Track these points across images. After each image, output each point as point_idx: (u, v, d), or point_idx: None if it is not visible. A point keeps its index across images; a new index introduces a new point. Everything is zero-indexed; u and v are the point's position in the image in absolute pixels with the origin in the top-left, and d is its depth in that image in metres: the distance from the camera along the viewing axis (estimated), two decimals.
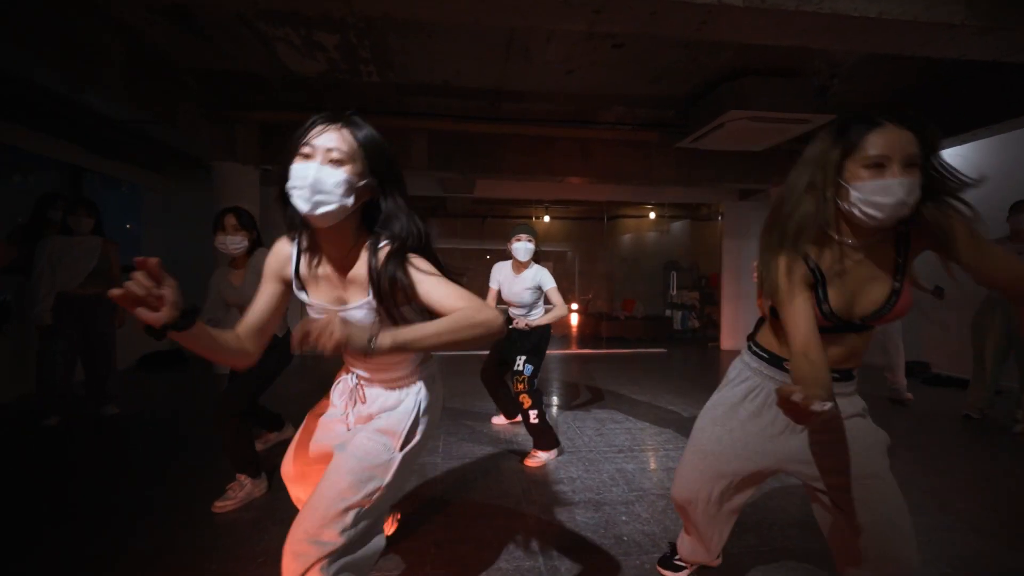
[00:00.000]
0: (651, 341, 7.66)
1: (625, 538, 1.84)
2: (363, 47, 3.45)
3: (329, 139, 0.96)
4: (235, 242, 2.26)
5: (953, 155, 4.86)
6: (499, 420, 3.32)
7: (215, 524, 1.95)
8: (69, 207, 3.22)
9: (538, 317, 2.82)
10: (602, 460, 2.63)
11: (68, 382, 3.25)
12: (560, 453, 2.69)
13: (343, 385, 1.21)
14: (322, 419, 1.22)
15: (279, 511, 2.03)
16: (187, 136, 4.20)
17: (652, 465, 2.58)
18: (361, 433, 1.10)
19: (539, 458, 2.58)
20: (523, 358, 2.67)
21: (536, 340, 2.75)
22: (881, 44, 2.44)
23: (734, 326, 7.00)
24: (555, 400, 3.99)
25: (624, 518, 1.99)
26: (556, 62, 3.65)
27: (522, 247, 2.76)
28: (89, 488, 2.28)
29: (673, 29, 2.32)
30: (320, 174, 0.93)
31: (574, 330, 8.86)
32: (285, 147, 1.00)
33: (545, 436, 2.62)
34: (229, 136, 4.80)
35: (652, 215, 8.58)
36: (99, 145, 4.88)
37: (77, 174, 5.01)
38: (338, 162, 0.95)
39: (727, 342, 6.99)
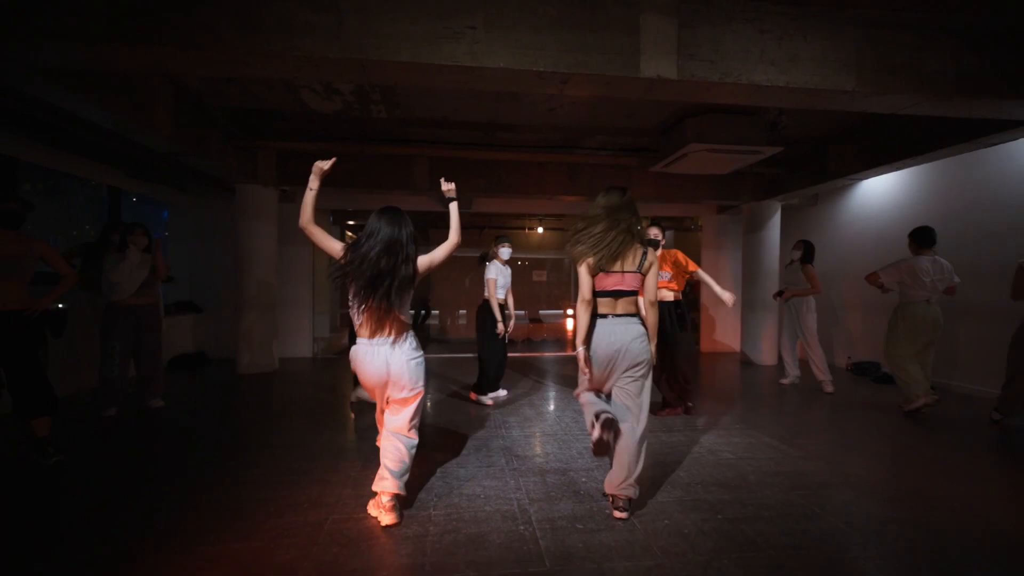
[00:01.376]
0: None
1: (581, 492, 2.41)
2: (374, 92, 4.05)
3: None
4: None
5: (891, 179, 5.46)
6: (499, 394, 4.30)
7: (242, 493, 2.51)
8: (128, 229, 3.80)
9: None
10: (573, 440, 3.19)
11: (124, 378, 3.82)
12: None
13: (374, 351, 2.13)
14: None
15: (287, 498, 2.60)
16: (215, 163, 4.79)
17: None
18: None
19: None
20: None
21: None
22: (795, 103, 3.03)
23: (711, 329, 7.57)
24: (547, 394, 4.55)
25: (583, 479, 2.56)
26: (540, 102, 4.25)
27: (506, 251, 4.28)
28: (148, 466, 2.84)
29: (627, 94, 2.91)
30: None
31: (569, 334, 9.43)
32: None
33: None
34: (251, 161, 5.40)
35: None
36: (136, 169, 5.47)
37: (116, 194, 5.59)
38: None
39: (705, 344, 7.55)
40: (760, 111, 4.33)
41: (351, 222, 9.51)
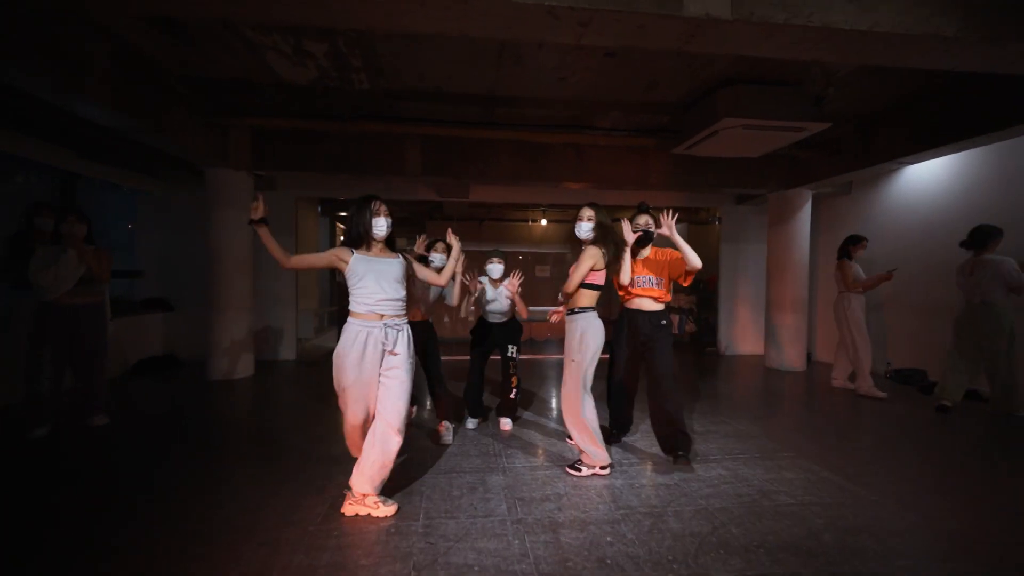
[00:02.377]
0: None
1: (608, 561, 1.82)
2: (353, 55, 3.42)
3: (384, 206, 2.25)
4: (442, 259, 3.21)
5: (942, 164, 4.82)
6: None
7: (201, 531, 1.93)
8: (60, 215, 3.20)
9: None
10: (589, 475, 2.60)
11: (57, 392, 3.23)
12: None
13: (376, 334, 2.17)
14: (353, 366, 2.16)
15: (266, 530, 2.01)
16: (177, 142, 4.18)
17: (641, 480, 2.55)
18: (398, 358, 2.20)
19: (509, 424, 3.42)
20: (514, 347, 3.40)
21: (517, 329, 3.48)
22: (872, 56, 2.41)
23: (732, 331, 6.97)
24: (546, 409, 3.95)
25: (609, 539, 1.96)
26: (549, 69, 3.62)
27: (494, 268, 3.34)
28: (75, 499, 2.26)
29: (662, 42, 2.29)
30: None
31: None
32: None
33: (516, 408, 3.49)
34: (222, 142, 4.77)
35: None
36: (92, 150, 4.85)
37: (71, 179, 4.98)
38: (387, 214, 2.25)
39: (725, 347, 6.96)
40: (805, 81, 3.70)
41: (343, 213, 8.89)
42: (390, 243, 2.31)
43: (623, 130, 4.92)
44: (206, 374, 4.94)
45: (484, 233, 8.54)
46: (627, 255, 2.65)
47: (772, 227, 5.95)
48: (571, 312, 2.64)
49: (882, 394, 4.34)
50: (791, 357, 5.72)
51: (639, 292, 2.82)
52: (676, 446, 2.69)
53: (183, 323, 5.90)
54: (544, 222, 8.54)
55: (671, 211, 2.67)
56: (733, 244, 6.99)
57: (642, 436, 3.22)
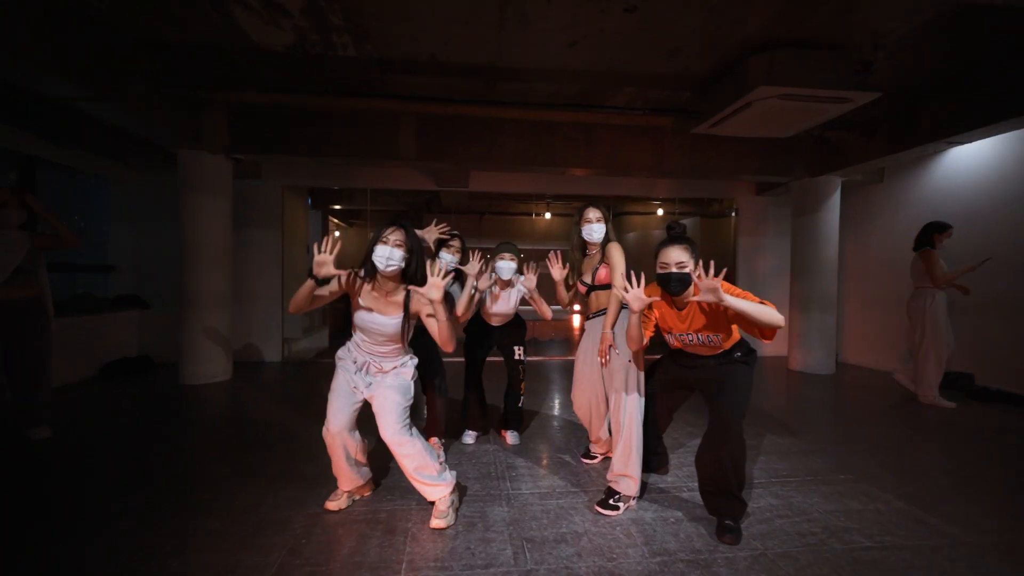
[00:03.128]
0: (657, 347, 7.15)
1: None
2: (333, 12, 2.96)
3: (398, 235, 1.88)
4: (452, 260, 2.73)
5: (990, 144, 4.34)
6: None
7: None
8: None
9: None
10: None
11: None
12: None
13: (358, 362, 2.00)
14: (343, 387, 1.98)
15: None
16: (142, 118, 3.73)
17: (675, 513, 2.09)
18: (388, 378, 1.98)
19: (515, 438, 2.97)
20: (520, 348, 2.92)
21: (521, 327, 2.96)
22: None
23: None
24: (556, 420, 3.49)
25: None
26: (558, 30, 3.16)
27: (505, 266, 2.68)
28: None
29: None
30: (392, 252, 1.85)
31: (575, 333, 8.38)
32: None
33: (522, 418, 3.08)
34: (194, 121, 4.31)
35: (660, 212, 8.08)
36: (53, 132, 4.41)
37: (29, 164, 4.53)
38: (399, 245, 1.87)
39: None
40: (850, 45, 3.24)
41: (336, 206, 8.43)
42: (414, 278, 1.93)
43: (638, 108, 4.46)
44: (178, 378, 4.48)
45: (484, 227, 8.10)
46: (634, 319, 1.97)
47: (797, 219, 5.48)
48: (596, 315, 2.45)
49: (950, 404, 3.85)
50: (819, 360, 5.25)
51: (687, 349, 2.11)
52: (724, 512, 1.94)
53: (160, 322, 5.44)
54: (548, 215, 8.08)
55: (710, 268, 1.76)
56: (752, 238, 6.51)
57: (669, 451, 2.76)
